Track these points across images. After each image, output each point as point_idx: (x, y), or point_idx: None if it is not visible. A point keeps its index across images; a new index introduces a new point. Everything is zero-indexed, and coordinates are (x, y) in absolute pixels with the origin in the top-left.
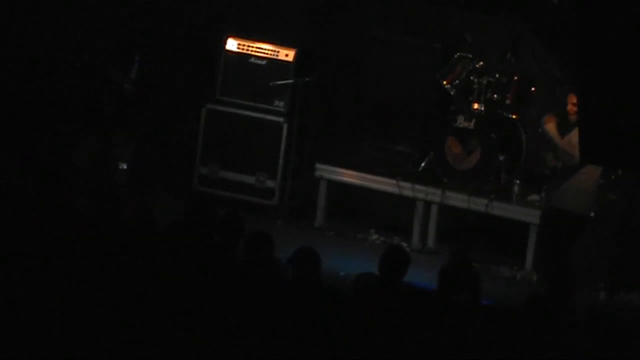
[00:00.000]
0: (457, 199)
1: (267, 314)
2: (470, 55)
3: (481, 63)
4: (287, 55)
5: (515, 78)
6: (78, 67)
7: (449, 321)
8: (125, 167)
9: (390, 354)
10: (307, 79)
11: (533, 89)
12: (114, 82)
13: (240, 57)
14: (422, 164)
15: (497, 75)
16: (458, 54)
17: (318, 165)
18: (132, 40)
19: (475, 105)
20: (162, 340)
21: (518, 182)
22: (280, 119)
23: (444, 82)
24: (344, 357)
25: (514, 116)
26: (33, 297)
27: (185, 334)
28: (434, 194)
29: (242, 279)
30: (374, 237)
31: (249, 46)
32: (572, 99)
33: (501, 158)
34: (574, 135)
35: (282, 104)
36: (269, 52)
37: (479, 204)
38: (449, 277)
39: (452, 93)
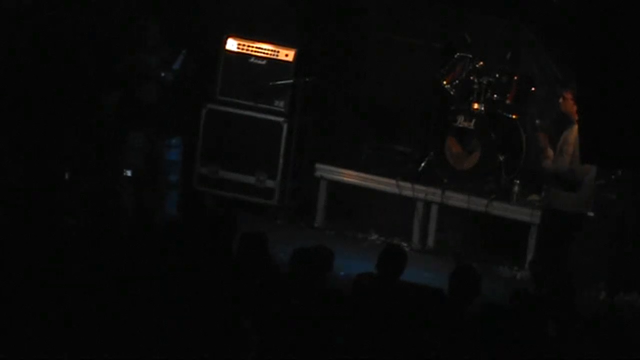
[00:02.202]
0: (457, 199)
1: (265, 314)
2: (470, 55)
3: (481, 63)
4: (287, 55)
5: (515, 78)
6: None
7: (448, 320)
8: (129, 174)
9: (391, 354)
10: (307, 79)
11: (533, 89)
12: (155, 73)
13: (240, 57)
14: (422, 164)
15: (497, 75)
16: (458, 54)
17: (318, 165)
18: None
19: (475, 105)
20: (157, 339)
21: (518, 182)
22: (280, 119)
23: (444, 82)
24: (344, 357)
25: (514, 116)
26: (32, 297)
27: (180, 332)
28: (434, 194)
29: (237, 278)
30: (374, 237)
31: (249, 46)
32: (567, 94)
33: (501, 158)
34: (569, 138)
35: (282, 104)
36: (269, 52)
37: (479, 204)
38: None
39: (452, 93)
